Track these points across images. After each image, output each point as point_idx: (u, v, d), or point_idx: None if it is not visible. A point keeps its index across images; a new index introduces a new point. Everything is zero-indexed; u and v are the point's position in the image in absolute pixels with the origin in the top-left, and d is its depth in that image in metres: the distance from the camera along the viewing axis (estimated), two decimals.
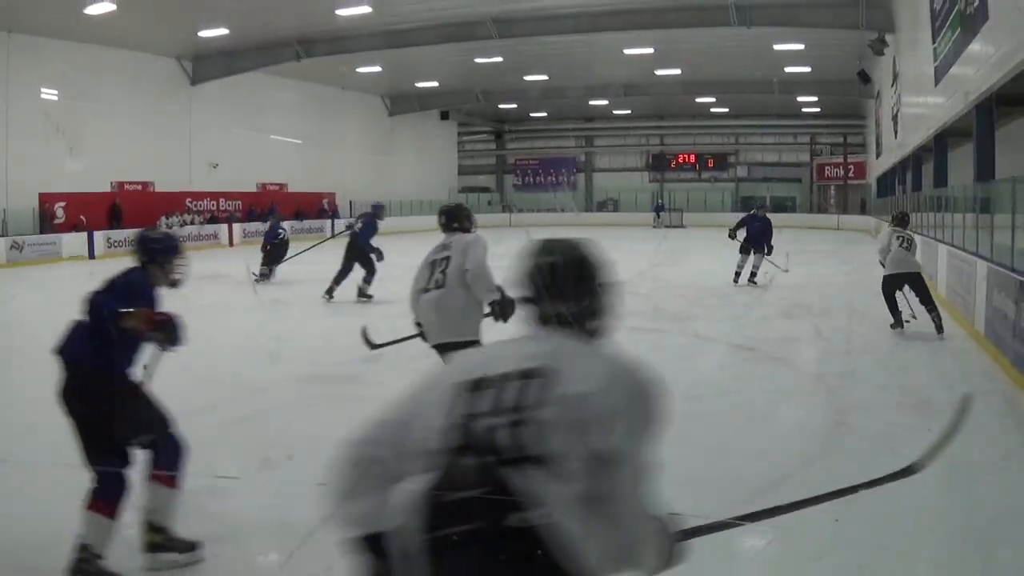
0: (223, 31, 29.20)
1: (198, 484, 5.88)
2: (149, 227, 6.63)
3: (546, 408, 2.13)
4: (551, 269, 2.45)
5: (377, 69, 37.95)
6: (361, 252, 16.29)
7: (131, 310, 4.58)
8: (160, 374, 9.07)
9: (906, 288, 11.63)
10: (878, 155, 37.30)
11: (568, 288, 2.45)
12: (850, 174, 47.21)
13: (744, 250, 17.49)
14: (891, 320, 11.68)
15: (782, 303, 14.55)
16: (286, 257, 20.20)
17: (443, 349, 6.37)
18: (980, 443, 6.66)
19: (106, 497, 4.57)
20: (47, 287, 18.75)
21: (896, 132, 27.12)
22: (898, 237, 11.89)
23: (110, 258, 27.06)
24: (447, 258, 6.59)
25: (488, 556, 1.99)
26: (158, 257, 5.08)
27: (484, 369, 2.31)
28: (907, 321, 11.59)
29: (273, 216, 21.74)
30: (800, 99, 44.07)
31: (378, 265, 15.96)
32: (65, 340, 4.75)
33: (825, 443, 6.68)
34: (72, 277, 20.33)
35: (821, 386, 8.57)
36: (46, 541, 4.93)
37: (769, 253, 17.39)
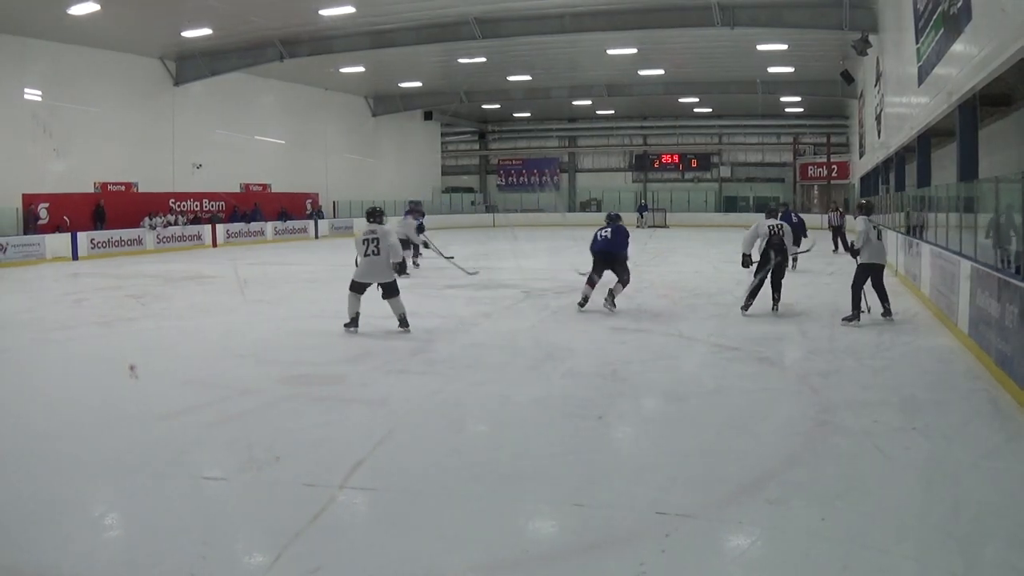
0: (206, 31, 29.12)
1: (184, 485, 5.89)
2: None
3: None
4: None
5: (360, 69, 37.88)
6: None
7: None
8: (143, 375, 9.11)
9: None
10: (861, 155, 37.40)
11: None
12: (833, 174, 47.31)
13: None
14: (849, 313, 12.35)
15: (766, 303, 14.58)
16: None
17: (378, 284, 11.88)
18: (963, 441, 6.71)
19: None
20: (30, 288, 18.67)
21: (879, 132, 27.22)
22: (875, 227, 12.43)
23: (94, 259, 26.98)
24: (376, 239, 11.75)
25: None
26: None
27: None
28: (863, 312, 12.34)
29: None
30: (783, 99, 44.17)
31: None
32: None
33: (809, 442, 6.71)
34: (55, 278, 20.27)
35: (805, 386, 8.60)
36: (26, 544, 4.90)
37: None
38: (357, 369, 9.50)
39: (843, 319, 12.35)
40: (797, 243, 15.85)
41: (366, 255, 11.73)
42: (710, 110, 50.51)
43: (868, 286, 12.41)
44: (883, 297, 12.49)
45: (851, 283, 12.46)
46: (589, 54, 35.43)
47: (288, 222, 37.96)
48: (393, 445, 6.74)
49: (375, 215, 12.18)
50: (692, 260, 24.52)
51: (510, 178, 57.98)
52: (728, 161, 53.46)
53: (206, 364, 10.05)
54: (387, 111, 47.55)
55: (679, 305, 14.30)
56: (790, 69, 37.24)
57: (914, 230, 17.87)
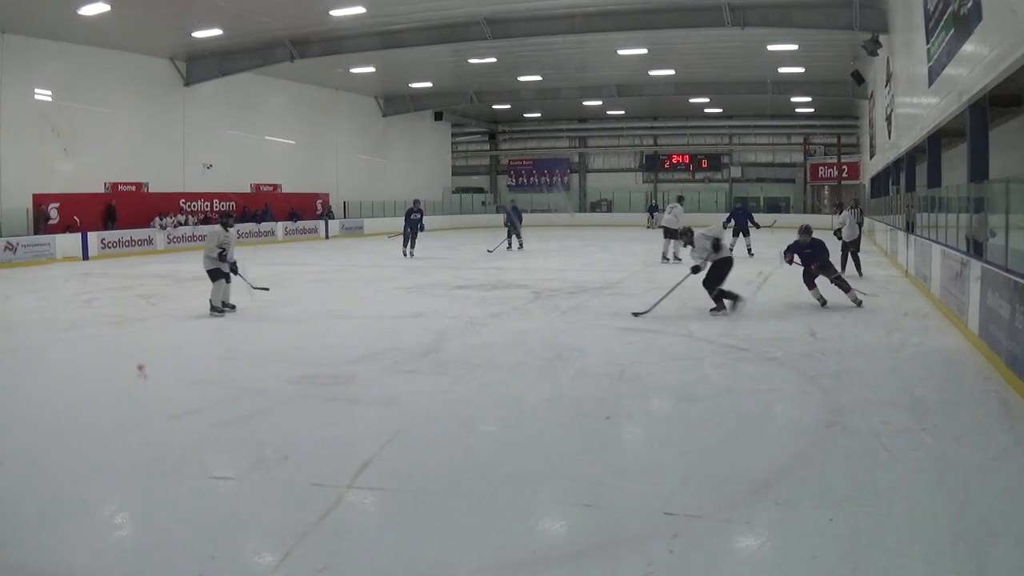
0: (216, 32, 29.17)
1: (193, 484, 5.91)
2: None
3: None
4: None
5: (371, 70, 37.90)
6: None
7: None
8: (153, 375, 9.14)
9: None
10: (872, 155, 37.30)
11: None
12: (844, 174, 47.17)
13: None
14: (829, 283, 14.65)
15: (775, 303, 14.57)
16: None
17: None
18: (973, 442, 6.69)
19: None
20: (40, 288, 18.73)
21: (890, 132, 27.13)
22: (853, 215, 19.27)
23: (104, 259, 27.06)
24: (229, 242, 13.88)
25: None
26: None
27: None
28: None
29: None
30: (794, 100, 44.10)
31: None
32: None
33: (818, 443, 6.70)
34: (66, 278, 20.33)
35: (814, 386, 8.58)
36: (37, 543, 4.92)
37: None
38: (366, 369, 9.51)
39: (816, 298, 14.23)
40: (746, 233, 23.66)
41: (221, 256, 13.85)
42: (720, 110, 50.46)
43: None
44: (858, 264, 19.28)
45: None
46: (599, 54, 35.43)
47: (298, 222, 38.07)
48: (402, 445, 6.75)
49: (230, 221, 14.50)
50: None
51: (520, 178, 57.97)
52: (738, 161, 53.38)
53: (216, 364, 10.07)
54: (397, 111, 47.59)
55: (688, 306, 14.27)
56: (800, 69, 37.17)
57: (911, 226, 18.50)
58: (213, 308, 13.90)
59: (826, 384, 8.62)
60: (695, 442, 6.81)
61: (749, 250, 24.44)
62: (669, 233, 22.56)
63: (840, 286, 14.28)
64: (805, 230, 14.56)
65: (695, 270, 13.30)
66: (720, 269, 13.41)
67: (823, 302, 14.07)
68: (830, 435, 6.89)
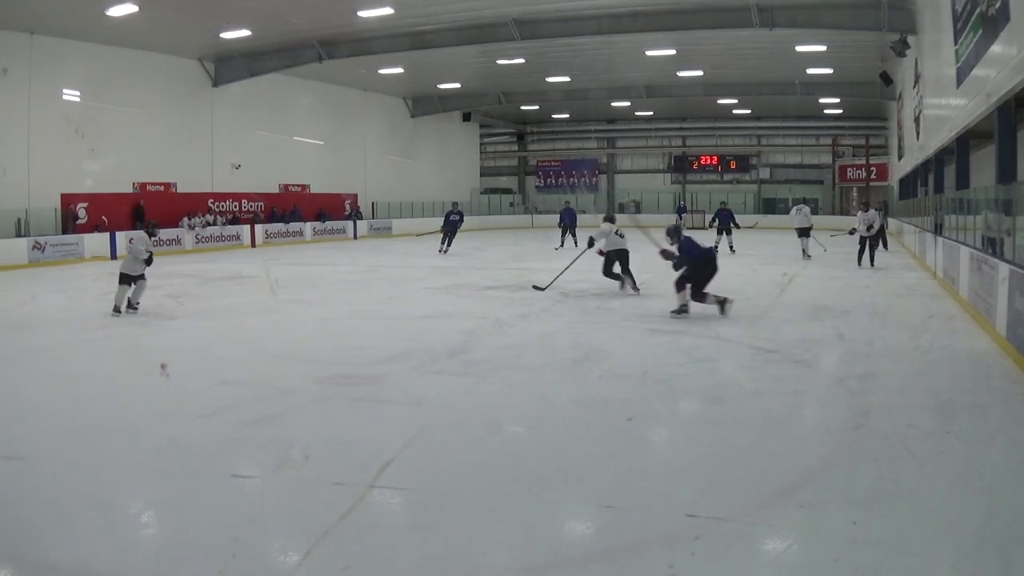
0: (245, 32, 29.29)
1: (217, 483, 5.95)
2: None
3: None
4: None
5: (399, 71, 37.98)
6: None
7: None
8: (180, 374, 9.20)
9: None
10: (900, 157, 37.05)
11: None
12: (872, 176, 46.92)
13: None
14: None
15: (803, 305, 14.50)
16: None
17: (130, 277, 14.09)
18: (1000, 445, 6.64)
19: None
20: (69, 287, 18.90)
21: (918, 134, 26.95)
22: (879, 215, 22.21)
23: None
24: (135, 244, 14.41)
25: None
26: None
27: None
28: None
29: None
30: (822, 101, 43.84)
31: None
32: None
33: (845, 445, 6.66)
34: (94, 277, 20.48)
35: (842, 389, 8.54)
36: (62, 540, 4.97)
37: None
38: (393, 369, 9.53)
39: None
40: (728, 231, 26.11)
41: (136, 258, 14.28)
42: (749, 111, 50.26)
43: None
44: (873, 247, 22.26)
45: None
46: (627, 55, 35.34)
47: (327, 223, 38.17)
48: (426, 445, 6.76)
49: (154, 230, 15.50)
50: (729, 262, 24.37)
51: (548, 179, 57.98)
52: (767, 163, 53.17)
53: (243, 364, 10.13)
54: (426, 112, 47.66)
55: (713, 308, 14.23)
56: (829, 70, 36.95)
57: (939, 228, 18.50)
58: (116, 310, 14.04)
59: (853, 386, 8.58)
60: (721, 444, 6.79)
61: (731, 247, 27.14)
62: (803, 232, 25.33)
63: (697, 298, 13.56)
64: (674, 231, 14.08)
65: (665, 254, 13.95)
66: (700, 273, 13.50)
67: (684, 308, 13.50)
68: (857, 437, 6.85)
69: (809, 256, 24.72)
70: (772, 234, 38.34)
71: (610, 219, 17.27)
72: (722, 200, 35.09)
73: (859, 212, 22.40)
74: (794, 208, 26.85)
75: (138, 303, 14.26)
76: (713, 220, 28.53)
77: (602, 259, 16.83)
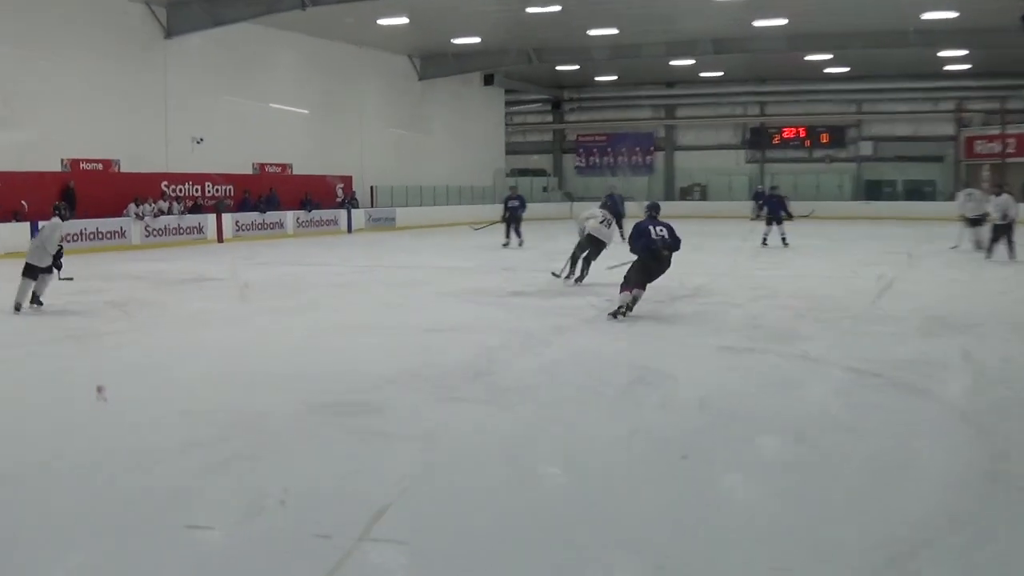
0: None
1: (173, 538, 5.89)
2: None
3: None
4: None
5: (404, 21, 37.90)
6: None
7: None
8: (125, 402, 9.16)
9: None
10: None
11: None
12: (1009, 150, 46.36)
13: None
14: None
15: (918, 316, 14.37)
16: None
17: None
18: None
19: None
20: None
21: None
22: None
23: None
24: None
25: None
26: None
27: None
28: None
29: None
30: (943, 54, 43.45)
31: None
32: None
33: (975, 500, 6.56)
34: (10, 278, 19.91)
35: (970, 425, 8.44)
36: (44, 547, 4.94)
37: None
38: (400, 395, 9.51)
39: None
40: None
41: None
42: (846, 70, 49.87)
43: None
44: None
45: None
46: (690, 1, 35.25)
47: (313, 212, 38.37)
48: (434, 489, 6.73)
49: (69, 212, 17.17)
50: (822, 262, 24.28)
51: (592, 158, 58.02)
52: (869, 135, 52.93)
53: (207, 389, 10.12)
54: (438, 74, 47.64)
55: (805, 319, 14.14)
56: (953, 14, 36.49)
57: None
58: (17, 307, 14.64)
59: (986, 422, 8.46)
60: (813, 494, 6.70)
61: (783, 239, 28.08)
62: (974, 222, 25.82)
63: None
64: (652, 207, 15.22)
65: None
66: (643, 269, 14.23)
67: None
68: (992, 490, 6.75)
69: (988, 254, 23.91)
70: (874, 226, 38.20)
71: (606, 205, 20.04)
72: (772, 184, 35.56)
73: (990, 196, 22.71)
74: (963, 193, 27.83)
75: (42, 300, 14.94)
76: (760, 208, 30.65)
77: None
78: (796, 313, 14.85)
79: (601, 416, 8.81)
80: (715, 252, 26.20)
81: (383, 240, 34.67)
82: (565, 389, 9.86)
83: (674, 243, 14.32)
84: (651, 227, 14.37)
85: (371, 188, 43.83)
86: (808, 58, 45.90)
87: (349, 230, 39.45)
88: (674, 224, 14.63)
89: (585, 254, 18.49)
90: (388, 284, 20.10)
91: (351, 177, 42.48)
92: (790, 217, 28.58)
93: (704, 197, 54.05)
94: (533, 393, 9.64)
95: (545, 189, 55.48)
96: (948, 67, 47.15)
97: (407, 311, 15.89)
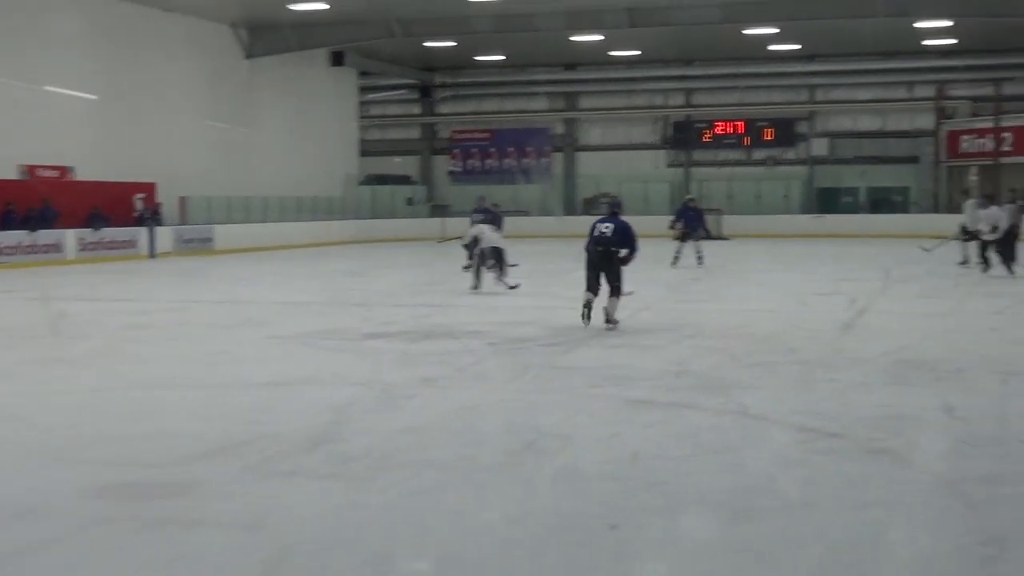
0: None
1: None
2: None
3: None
4: None
5: None
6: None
7: None
8: None
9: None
10: None
11: None
12: (1004, 147, 46.87)
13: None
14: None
15: (887, 360, 14.58)
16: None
17: None
18: None
19: None
20: None
21: None
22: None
23: None
24: None
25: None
26: None
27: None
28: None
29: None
30: (920, 26, 44.21)
31: None
32: None
33: None
34: None
35: (955, 498, 8.55)
36: None
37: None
38: (217, 471, 9.40)
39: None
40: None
41: None
42: (796, 48, 50.66)
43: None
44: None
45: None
46: None
47: (103, 231, 37.96)
48: None
49: None
50: (764, 291, 24.59)
51: (470, 161, 58.22)
52: (825, 131, 53.73)
53: None
54: (271, 50, 47.49)
55: (742, 363, 14.30)
56: None
57: None
58: None
59: (976, 494, 8.57)
60: None
61: (699, 257, 31.06)
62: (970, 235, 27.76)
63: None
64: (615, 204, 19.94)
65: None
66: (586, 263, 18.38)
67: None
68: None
69: (1012, 272, 25.43)
70: (829, 245, 38.84)
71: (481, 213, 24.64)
72: (688, 195, 36.76)
73: (977, 208, 23.71)
74: (970, 202, 29.08)
75: None
76: (676, 221, 32.14)
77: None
78: (731, 356, 14.99)
79: (480, 494, 8.77)
80: (628, 281, 26.30)
81: (198, 268, 34.43)
82: (433, 458, 9.83)
83: (618, 240, 18.17)
84: (597, 224, 18.64)
85: (181, 200, 43.33)
86: (748, 32, 46.53)
87: (152, 255, 39.05)
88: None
89: (485, 260, 22.83)
90: (205, 326, 20.01)
91: (154, 185, 42.04)
92: (708, 235, 30.37)
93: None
94: (391, 464, 9.58)
95: (410, 201, 55.51)
96: (927, 42, 47.98)
97: (230, 361, 15.81)
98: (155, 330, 19.39)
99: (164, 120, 43.57)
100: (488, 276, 23.89)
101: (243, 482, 9.05)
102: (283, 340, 17.50)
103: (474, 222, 26.02)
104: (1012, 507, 8.24)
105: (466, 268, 25.25)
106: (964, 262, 27.97)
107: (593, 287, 17.89)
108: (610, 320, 17.78)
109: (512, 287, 23.06)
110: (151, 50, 42.79)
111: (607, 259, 18.01)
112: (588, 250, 18.24)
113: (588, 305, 17.74)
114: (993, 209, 23.34)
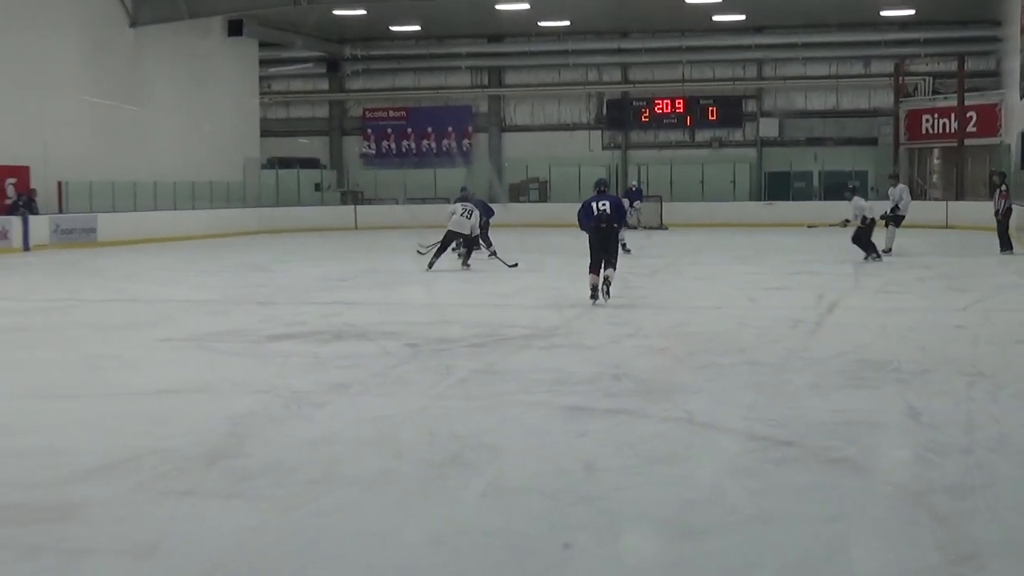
0: None
1: None
2: None
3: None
4: None
5: None
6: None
7: None
8: None
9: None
10: None
11: None
12: (970, 127, 47.17)
13: None
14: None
15: (844, 360, 14.67)
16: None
17: None
18: None
19: None
20: None
21: None
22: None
23: None
24: None
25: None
26: None
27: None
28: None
29: None
30: None
31: None
32: None
33: None
34: None
35: (921, 511, 8.59)
36: None
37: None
38: (103, 490, 9.32)
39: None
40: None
41: None
42: (742, 18, 50.93)
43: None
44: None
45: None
46: None
47: None
48: None
49: None
50: (708, 286, 24.70)
51: (385, 142, 58.15)
52: (774, 109, 53.99)
53: None
54: (159, 19, 47.21)
55: (686, 366, 14.35)
56: None
57: None
58: None
59: (944, 507, 8.63)
60: None
61: (623, 245, 28.82)
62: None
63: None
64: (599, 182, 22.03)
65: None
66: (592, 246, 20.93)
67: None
68: None
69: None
70: (780, 234, 39.11)
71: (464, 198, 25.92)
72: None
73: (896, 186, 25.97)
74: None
75: None
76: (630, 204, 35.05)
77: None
78: (674, 358, 15.06)
79: (400, 512, 8.75)
80: (559, 276, 26.42)
81: (79, 262, 34.22)
82: (347, 473, 9.83)
83: (616, 215, 20.82)
84: (593, 203, 20.63)
85: (59, 185, 43.11)
86: (690, 1, 46.66)
87: (26, 247, 38.73)
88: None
89: (452, 246, 26.26)
90: (90, 327, 19.87)
91: (27, 169, 41.86)
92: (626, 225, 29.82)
93: (544, 198, 54.47)
94: (299, 481, 9.54)
95: (318, 187, 55.39)
96: (886, 12, 48.31)
97: (118, 367, 15.71)
98: (32, 332, 19.26)
99: (38, 96, 43.08)
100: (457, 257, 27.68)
101: (133, 503, 8.99)
102: (177, 343, 17.47)
103: (455, 212, 27.83)
104: (983, 521, 8.25)
105: (455, 250, 27.50)
106: (888, 250, 29.39)
107: (597, 268, 20.42)
108: (607, 294, 20.42)
109: (511, 265, 26.95)
110: (22, 18, 42.39)
111: (611, 236, 20.76)
112: (590, 229, 20.58)
113: (596, 287, 20.33)
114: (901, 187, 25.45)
